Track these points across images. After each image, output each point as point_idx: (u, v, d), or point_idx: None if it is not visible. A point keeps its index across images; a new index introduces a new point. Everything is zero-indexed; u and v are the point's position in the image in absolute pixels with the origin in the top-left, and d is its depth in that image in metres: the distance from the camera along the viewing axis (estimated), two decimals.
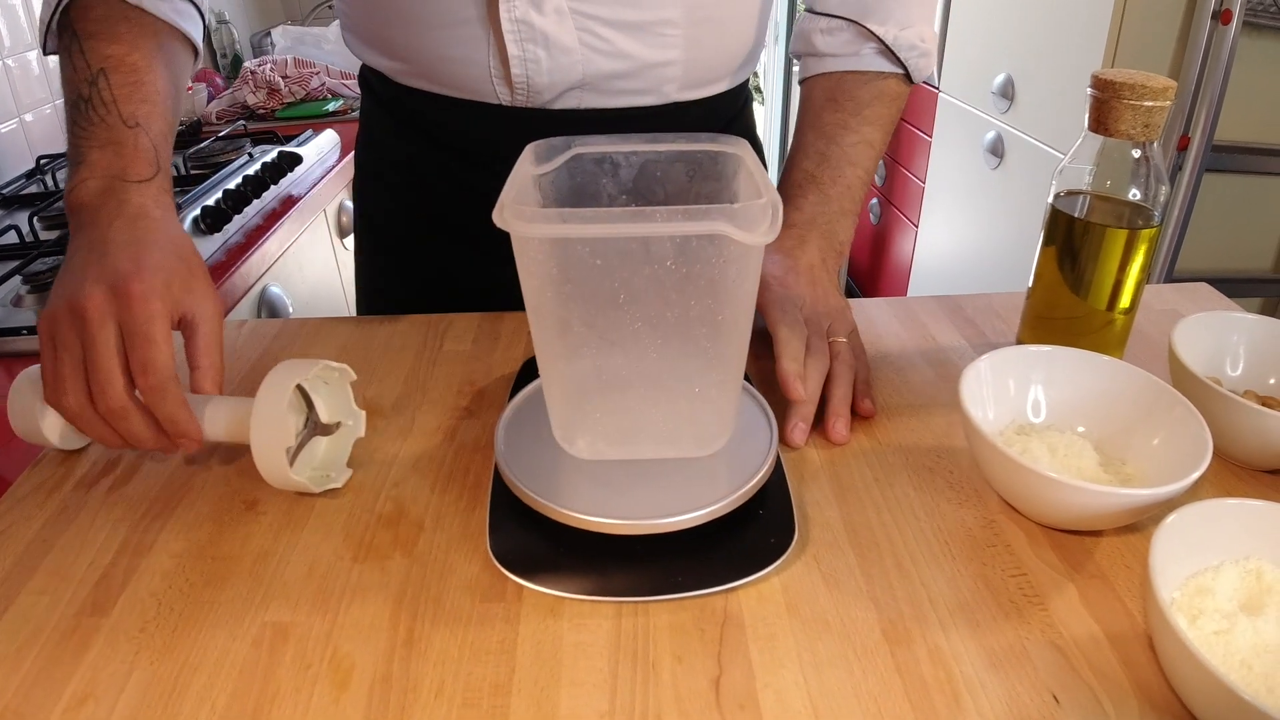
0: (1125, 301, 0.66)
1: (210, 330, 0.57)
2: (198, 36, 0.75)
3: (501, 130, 0.77)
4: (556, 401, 0.48)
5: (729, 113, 0.87)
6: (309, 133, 1.50)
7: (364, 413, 0.61)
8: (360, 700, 0.44)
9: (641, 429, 0.48)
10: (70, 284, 0.55)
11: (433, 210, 0.86)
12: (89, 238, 0.58)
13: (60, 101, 1.58)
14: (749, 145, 0.49)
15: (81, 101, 0.63)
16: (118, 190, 0.60)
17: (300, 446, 0.58)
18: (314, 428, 0.59)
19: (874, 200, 2.63)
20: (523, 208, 0.39)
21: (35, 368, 0.58)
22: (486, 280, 0.86)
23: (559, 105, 0.76)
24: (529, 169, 0.48)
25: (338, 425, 0.60)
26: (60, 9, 0.68)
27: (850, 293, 2.88)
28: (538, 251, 0.40)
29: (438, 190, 0.85)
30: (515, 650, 0.46)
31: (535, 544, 0.47)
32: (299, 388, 0.57)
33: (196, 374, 0.56)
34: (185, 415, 0.54)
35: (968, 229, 2.07)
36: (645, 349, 0.43)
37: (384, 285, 0.95)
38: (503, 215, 0.39)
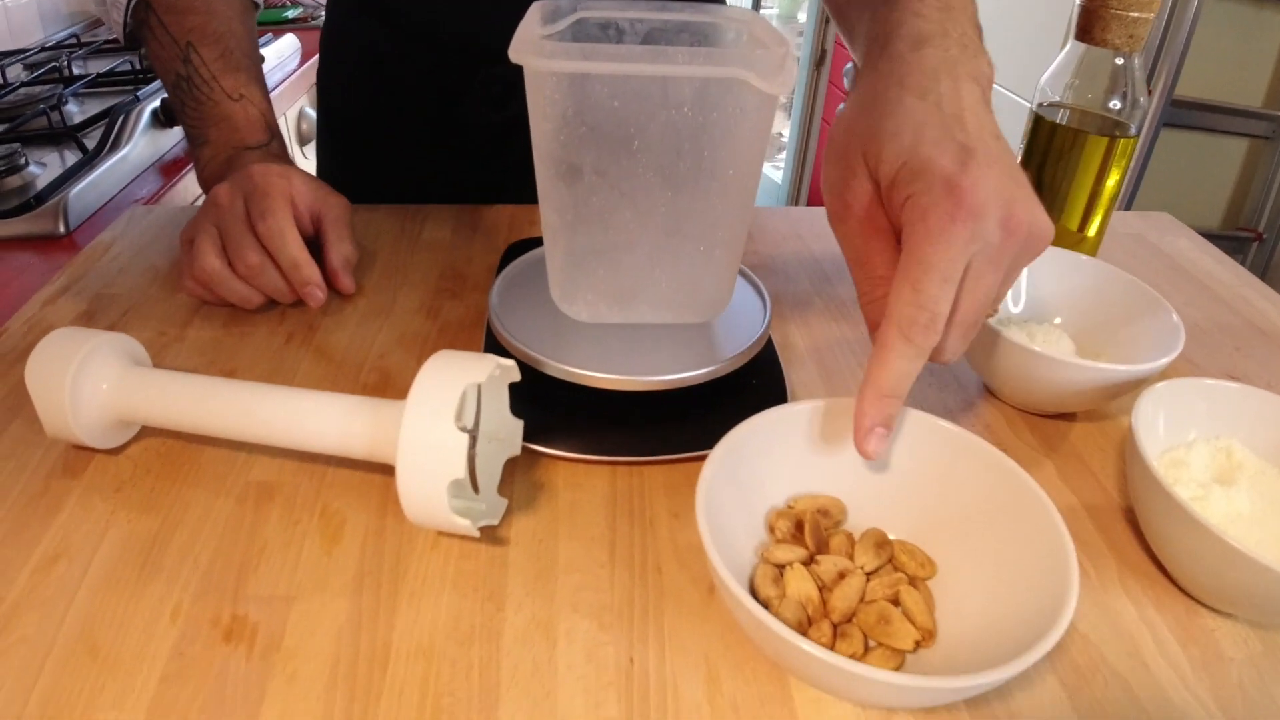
0: (1097, 217, 0.67)
1: (339, 217, 0.64)
2: None
3: (477, 9, 0.76)
4: (558, 258, 0.47)
5: None
6: (269, 37, 1.44)
7: (521, 422, 0.47)
8: (353, 552, 0.43)
9: (643, 290, 0.47)
10: (203, 204, 0.63)
11: (395, 102, 0.85)
12: None
13: (10, 3, 1.51)
14: (760, 16, 0.48)
15: (183, 81, 0.68)
16: (238, 158, 0.66)
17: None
18: (471, 445, 0.43)
19: None
20: (542, 42, 0.38)
21: (65, 329, 0.48)
22: (451, 178, 0.85)
23: None
24: (535, 29, 0.47)
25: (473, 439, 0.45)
26: None
27: None
28: (554, 90, 0.39)
29: (401, 80, 0.83)
30: (511, 507, 0.46)
31: (528, 406, 0.47)
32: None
33: (330, 253, 0.63)
34: (305, 258, 0.59)
35: None
36: (655, 202, 0.43)
37: (344, 179, 0.93)
38: (519, 51, 0.38)
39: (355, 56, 0.86)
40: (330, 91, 0.91)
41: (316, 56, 1.49)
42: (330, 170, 0.95)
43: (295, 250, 0.59)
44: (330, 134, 0.93)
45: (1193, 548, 0.40)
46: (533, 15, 0.47)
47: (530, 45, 0.38)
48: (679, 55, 0.37)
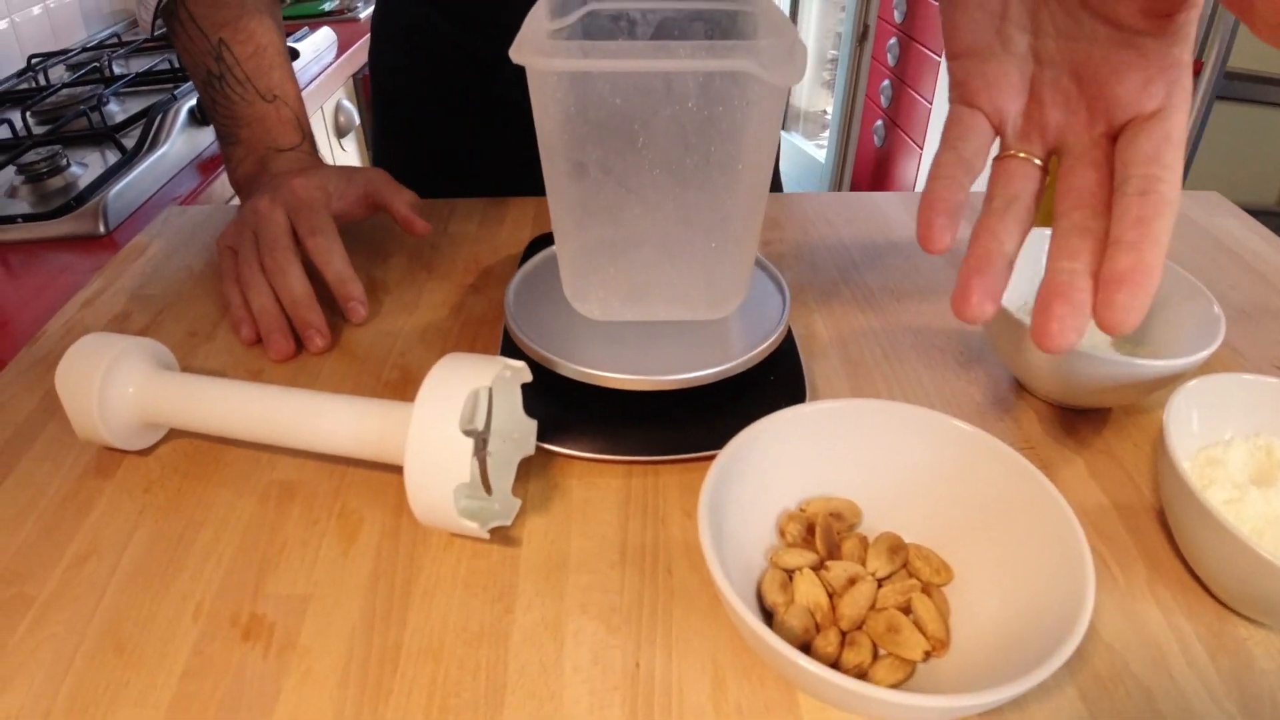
0: None
1: (384, 179, 0.66)
2: None
3: None
4: (569, 256, 0.47)
5: None
6: (305, 30, 1.46)
7: (535, 422, 0.47)
8: (369, 551, 0.44)
9: (655, 286, 0.47)
10: (240, 210, 0.63)
11: (440, 79, 0.85)
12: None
13: (53, 4, 1.54)
14: (772, 3, 0.47)
15: (214, 79, 0.67)
16: (271, 159, 0.67)
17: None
18: (482, 446, 0.43)
19: (879, 122, 2.59)
20: (542, 41, 0.38)
21: (94, 335, 0.49)
22: (495, 155, 0.85)
23: None
24: (543, 23, 0.47)
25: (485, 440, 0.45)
26: None
27: None
28: (556, 89, 0.38)
29: (444, 58, 0.84)
30: (524, 506, 0.46)
31: (544, 405, 0.47)
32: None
33: (395, 203, 0.65)
34: (351, 274, 0.60)
35: None
36: (663, 197, 0.42)
37: (395, 153, 0.94)
38: (520, 50, 0.38)
39: (402, 34, 0.87)
40: (381, 68, 0.92)
41: (353, 49, 1.51)
42: (382, 148, 0.96)
43: (342, 264, 0.59)
44: (383, 112, 0.94)
45: (1225, 556, 0.38)
46: (538, 10, 0.47)
47: (531, 44, 0.38)
48: (680, 49, 0.37)
